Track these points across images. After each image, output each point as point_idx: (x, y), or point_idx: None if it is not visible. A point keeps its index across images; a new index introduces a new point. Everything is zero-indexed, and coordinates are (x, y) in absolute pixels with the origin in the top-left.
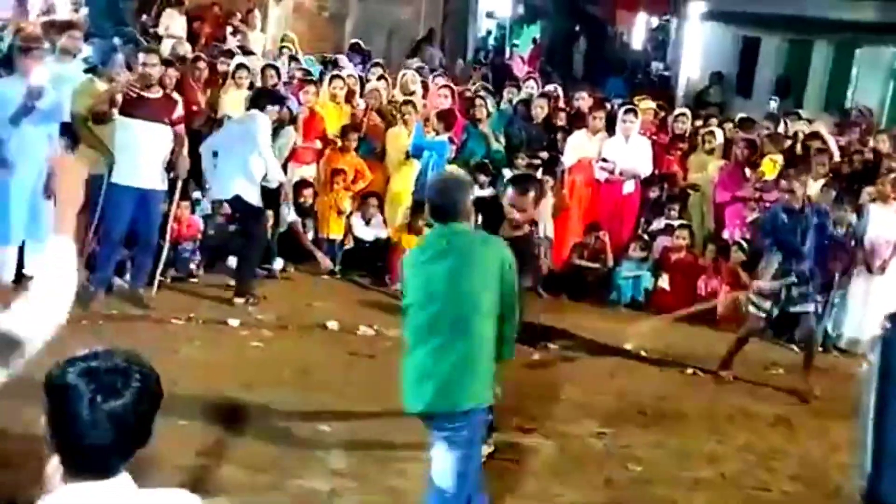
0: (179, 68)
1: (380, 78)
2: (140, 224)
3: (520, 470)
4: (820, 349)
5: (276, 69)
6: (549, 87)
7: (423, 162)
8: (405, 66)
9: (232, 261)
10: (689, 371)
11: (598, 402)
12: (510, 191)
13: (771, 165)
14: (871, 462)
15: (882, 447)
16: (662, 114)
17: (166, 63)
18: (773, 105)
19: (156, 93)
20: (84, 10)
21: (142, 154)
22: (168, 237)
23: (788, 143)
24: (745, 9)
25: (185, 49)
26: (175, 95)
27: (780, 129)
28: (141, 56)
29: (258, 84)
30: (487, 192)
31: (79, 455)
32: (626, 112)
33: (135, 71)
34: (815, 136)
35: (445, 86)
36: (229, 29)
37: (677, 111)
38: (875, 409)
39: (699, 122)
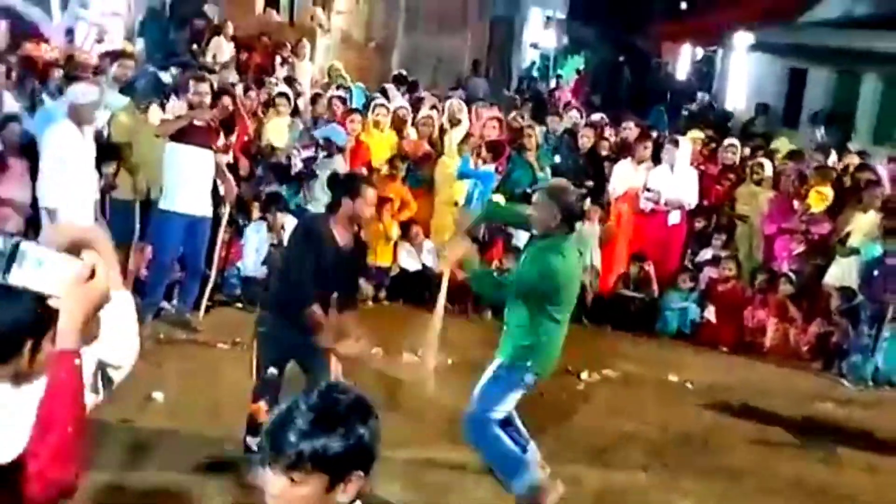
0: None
1: (432, 107)
2: (188, 250)
3: (563, 501)
4: (871, 383)
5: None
6: (596, 117)
7: (469, 191)
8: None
9: None
10: (736, 403)
11: (642, 432)
12: None
13: (818, 198)
14: None
15: None
16: (713, 145)
17: (221, 91)
18: (820, 135)
19: (203, 120)
20: (140, 42)
21: (190, 180)
22: (216, 262)
23: (836, 175)
24: (793, 40)
25: (234, 78)
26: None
27: (830, 161)
28: (192, 84)
29: (306, 113)
30: None
31: None
32: (669, 142)
33: (185, 98)
34: (865, 167)
35: (495, 117)
36: (278, 59)
37: (727, 142)
38: None
39: (747, 153)
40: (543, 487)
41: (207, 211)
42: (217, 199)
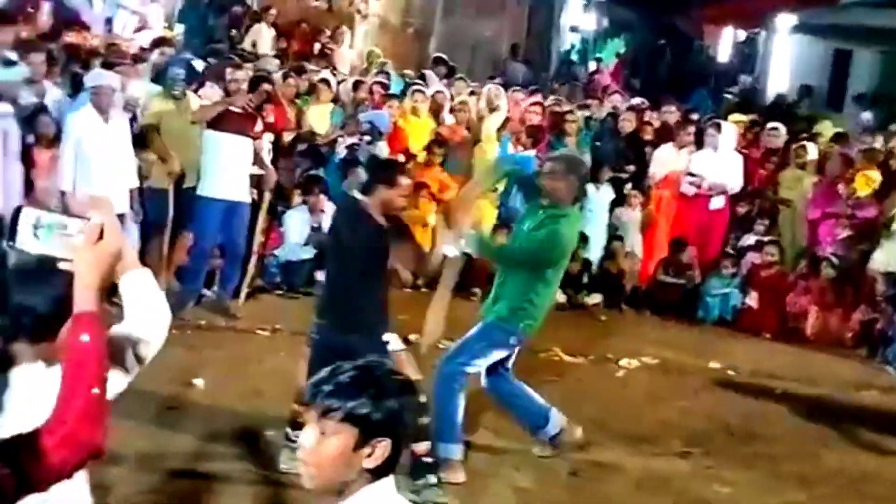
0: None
1: (471, 93)
2: (227, 236)
3: (604, 488)
4: None
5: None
6: (636, 101)
7: (510, 180)
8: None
9: (320, 274)
10: (779, 390)
11: (684, 420)
12: None
13: (864, 182)
14: None
15: None
16: (756, 128)
17: (260, 79)
18: (866, 118)
19: (239, 107)
20: (179, 28)
21: (227, 166)
22: (255, 250)
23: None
24: (837, 21)
25: (273, 64)
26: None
27: (878, 143)
28: (228, 72)
29: (345, 99)
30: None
31: None
32: (711, 126)
33: (222, 85)
34: None
35: (537, 102)
36: (317, 45)
37: (770, 125)
38: None
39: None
40: (453, 468)
41: (245, 196)
42: (256, 186)
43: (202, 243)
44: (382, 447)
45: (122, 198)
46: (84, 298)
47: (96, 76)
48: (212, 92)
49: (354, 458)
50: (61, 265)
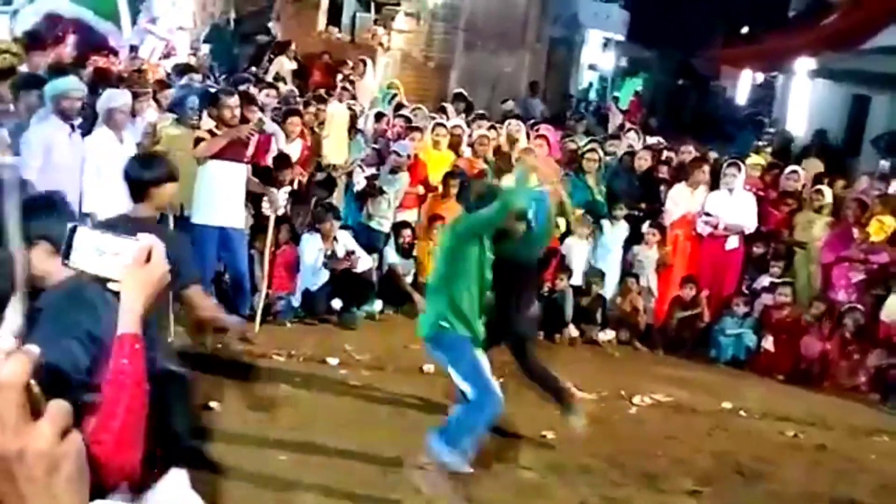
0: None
1: (490, 127)
2: (227, 262)
3: None
4: None
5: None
6: (653, 140)
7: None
8: (502, 111)
9: (336, 302)
10: (790, 433)
11: (694, 459)
12: None
13: (878, 226)
14: None
15: None
16: (776, 171)
17: (291, 112)
18: (884, 165)
19: (241, 137)
20: (205, 49)
21: (219, 193)
22: (265, 274)
23: None
24: (855, 66)
25: (295, 95)
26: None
27: (892, 189)
28: (221, 98)
29: (366, 129)
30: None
31: None
32: (728, 166)
33: (214, 111)
34: None
35: (542, 135)
36: (339, 77)
37: (789, 168)
38: None
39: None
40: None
41: (240, 223)
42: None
43: (202, 270)
44: None
45: None
46: (128, 321)
47: (110, 98)
48: (205, 119)
49: None
50: (111, 286)
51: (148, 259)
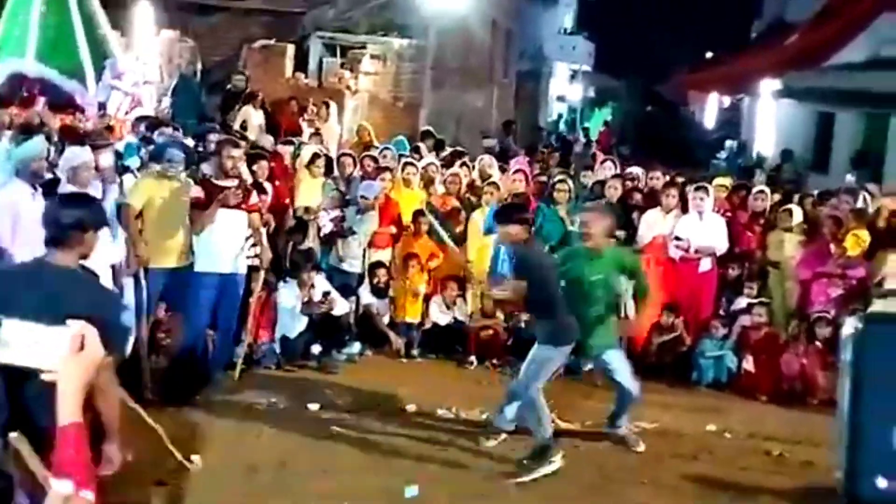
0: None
1: (462, 164)
2: (220, 307)
3: None
4: None
5: (354, 158)
6: (628, 170)
7: (496, 246)
8: (482, 146)
9: (315, 347)
10: (777, 452)
11: (681, 483)
12: None
13: (854, 241)
14: (847, 458)
15: (856, 443)
16: (743, 192)
17: (258, 156)
18: (851, 179)
19: (231, 182)
20: (167, 101)
21: (220, 240)
22: (249, 325)
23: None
24: (819, 84)
25: (269, 141)
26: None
27: (860, 203)
28: (225, 149)
29: (335, 173)
30: None
31: None
32: (696, 189)
33: (220, 160)
34: None
35: (519, 170)
36: (304, 122)
37: (756, 189)
38: (849, 407)
39: (776, 198)
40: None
41: (239, 268)
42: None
43: (196, 319)
44: None
45: (105, 273)
46: (68, 411)
47: (72, 157)
48: (208, 168)
49: None
50: (45, 376)
51: (82, 347)
